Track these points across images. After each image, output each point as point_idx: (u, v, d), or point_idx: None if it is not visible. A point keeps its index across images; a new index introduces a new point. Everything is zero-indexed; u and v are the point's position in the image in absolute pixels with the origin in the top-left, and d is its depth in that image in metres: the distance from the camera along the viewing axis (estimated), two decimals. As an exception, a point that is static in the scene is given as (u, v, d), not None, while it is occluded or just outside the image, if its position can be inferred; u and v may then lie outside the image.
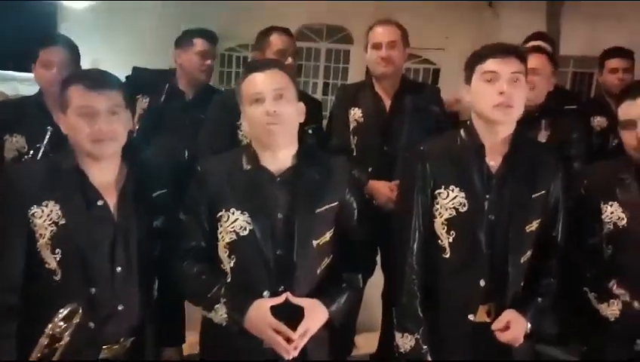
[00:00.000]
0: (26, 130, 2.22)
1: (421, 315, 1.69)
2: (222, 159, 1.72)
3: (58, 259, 1.53)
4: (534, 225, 1.70)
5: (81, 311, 1.50)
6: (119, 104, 1.58)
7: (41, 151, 2.15)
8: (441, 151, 1.73)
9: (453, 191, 1.68)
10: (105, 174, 1.60)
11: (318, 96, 10.61)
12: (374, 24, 2.51)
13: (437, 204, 1.69)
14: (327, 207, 1.64)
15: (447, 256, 1.69)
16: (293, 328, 1.52)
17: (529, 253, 1.71)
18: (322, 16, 11.01)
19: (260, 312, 1.53)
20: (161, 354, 1.95)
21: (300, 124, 1.67)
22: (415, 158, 1.73)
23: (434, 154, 1.72)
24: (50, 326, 1.48)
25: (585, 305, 1.80)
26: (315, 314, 1.58)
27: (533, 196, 1.69)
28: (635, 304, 1.74)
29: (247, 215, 1.58)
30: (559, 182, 1.73)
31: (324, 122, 2.67)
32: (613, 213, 1.79)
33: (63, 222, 1.52)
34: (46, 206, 1.52)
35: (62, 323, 1.48)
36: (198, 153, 2.31)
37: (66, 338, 1.48)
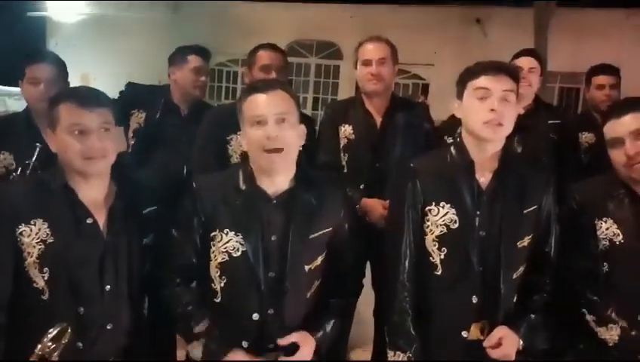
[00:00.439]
0: (14, 148, 2.20)
1: (413, 333, 1.67)
2: (218, 177, 1.71)
3: (46, 278, 1.51)
4: (526, 241, 1.70)
5: (70, 331, 1.48)
6: (110, 121, 1.58)
7: (30, 167, 2.13)
8: (432, 168, 1.73)
9: (443, 207, 1.68)
10: (94, 192, 1.59)
11: (308, 110, 10.66)
12: (364, 41, 2.52)
13: (428, 220, 1.69)
14: (321, 232, 1.63)
15: (439, 273, 1.68)
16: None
17: (521, 268, 1.71)
18: (312, 32, 11.10)
19: None
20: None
21: None
22: (405, 175, 1.73)
23: (424, 171, 1.72)
24: (39, 346, 1.45)
25: (582, 325, 1.78)
26: (308, 346, 1.58)
27: (525, 211, 1.69)
28: (633, 332, 1.72)
29: (240, 236, 1.56)
30: (550, 197, 1.74)
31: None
32: (608, 228, 1.78)
33: (51, 240, 1.51)
34: (34, 224, 1.51)
35: (51, 344, 1.46)
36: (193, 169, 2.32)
37: (55, 359, 1.46)
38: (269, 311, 1.56)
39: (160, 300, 1.65)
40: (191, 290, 1.62)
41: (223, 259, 1.57)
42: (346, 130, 2.50)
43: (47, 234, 1.51)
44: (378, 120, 2.49)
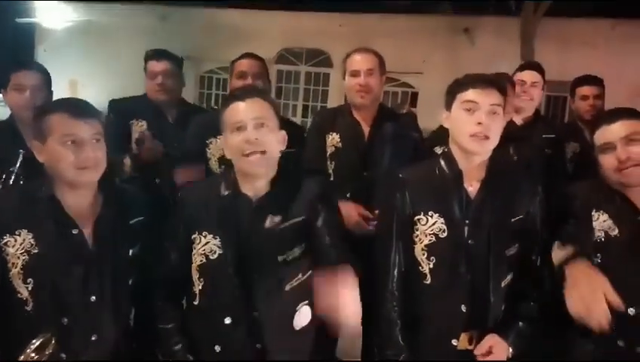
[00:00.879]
0: None
1: (402, 343, 1.67)
2: (201, 185, 1.75)
3: (30, 288, 1.50)
4: (514, 249, 1.70)
5: (54, 341, 1.46)
6: (100, 132, 1.58)
7: (14, 175, 2.11)
8: (420, 178, 1.74)
9: (432, 217, 1.69)
10: (81, 202, 1.58)
11: (298, 118, 10.68)
12: (352, 52, 2.53)
13: (417, 230, 1.70)
14: (292, 221, 1.62)
15: (428, 282, 1.68)
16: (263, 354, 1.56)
17: (509, 277, 1.71)
18: (302, 40, 11.15)
19: None
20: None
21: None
22: (394, 185, 1.74)
23: (413, 181, 1.73)
24: (22, 357, 1.43)
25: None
26: None
27: (512, 220, 1.70)
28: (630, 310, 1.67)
29: (218, 239, 1.59)
30: (538, 205, 1.74)
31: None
32: (605, 221, 1.76)
33: (35, 251, 1.50)
34: (19, 235, 1.50)
35: (34, 354, 1.43)
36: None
37: (39, 370, 1.44)
38: (243, 315, 1.57)
39: (145, 312, 1.65)
40: (175, 306, 1.65)
41: (201, 261, 1.60)
42: (334, 138, 2.50)
43: (32, 244, 1.50)
44: (366, 129, 2.50)
